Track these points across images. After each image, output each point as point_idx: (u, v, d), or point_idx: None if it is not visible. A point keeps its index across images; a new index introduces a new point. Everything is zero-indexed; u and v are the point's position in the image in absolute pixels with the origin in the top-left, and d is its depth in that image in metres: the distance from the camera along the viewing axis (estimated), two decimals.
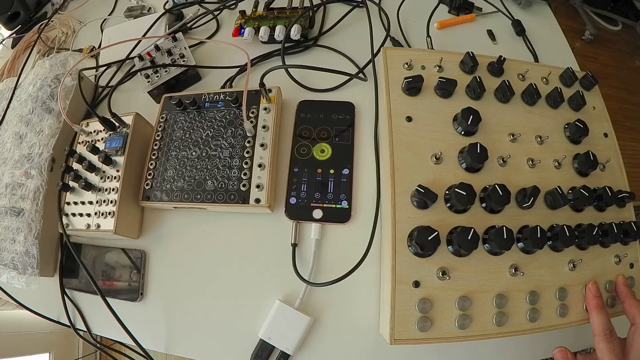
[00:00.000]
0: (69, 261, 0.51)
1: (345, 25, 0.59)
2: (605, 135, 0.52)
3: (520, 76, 0.51)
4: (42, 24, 0.70)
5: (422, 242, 0.37)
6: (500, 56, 0.49)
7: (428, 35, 0.55)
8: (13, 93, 0.56)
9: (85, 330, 0.48)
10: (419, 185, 0.39)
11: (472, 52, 0.48)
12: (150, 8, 0.69)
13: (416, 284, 0.38)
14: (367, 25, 0.55)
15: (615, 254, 0.45)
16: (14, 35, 0.82)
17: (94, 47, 0.67)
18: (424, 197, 0.39)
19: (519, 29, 0.60)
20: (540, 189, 0.43)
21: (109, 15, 0.72)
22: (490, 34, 0.60)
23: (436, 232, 0.38)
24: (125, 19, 0.69)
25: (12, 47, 0.80)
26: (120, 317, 0.44)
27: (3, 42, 0.83)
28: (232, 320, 0.45)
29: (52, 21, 0.72)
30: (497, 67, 0.49)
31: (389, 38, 0.55)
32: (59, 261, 0.51)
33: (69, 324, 0.49)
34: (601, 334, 0.37)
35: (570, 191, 0.45)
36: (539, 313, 0.40)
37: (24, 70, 0.61)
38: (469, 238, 0.38)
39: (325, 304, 0.44)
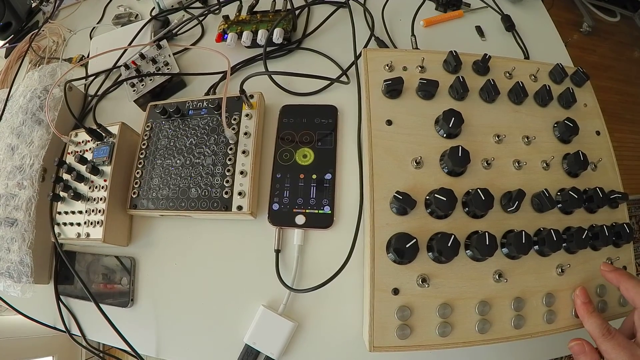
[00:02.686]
0: (64, 268, 0.52)
1: (330, 27, 0.57)
2: (598, 133, 0.49)
3: (507, 74, 0.48)
4: (32, 34, 0.71)
5: (400, 249, 0.36)
6: (485, 54, 0.47)
7: (413, 34, 0.53)
8: (5, 105, 0.56)
9: (80, 335, 0.49)
10: (397, 192, 0.38)
11: (455, 51, 0.46)
12: (137, 15, 0.68)
13: (395, 291, 0.37)
14: (351, 26, 0.53)
15: (606, 256, 0.43)
16: (7, 45, 0.82)
17: (83, 56, 0.67)
18: (402, 204, 0.38)
19: (509, 24, 0.57)
20: (527, 191, 0.41)
21: (97, 23, 0.71)
22: (479, 30, 0.58)
23: (414, 240, 0.36)
24: (114, 26, 0.68)
25: (5, 57, 0.81)
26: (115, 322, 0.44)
27: None
28: (218, 325, 0.45)
29: (43, 30, 0.72)
30: (482, 65, 0.47)
31: (373, 38, 0.54)
32: (54, 269, 0.52)
33: (64, 330, 0.50)
34: (600, 336, 0.35)
35: (558, 193, 0.43)
36: (525, 320, 0.39)
37: (16, 80, 0.61)
38: (449, 245, 0.36)
39: (309, 309, 0.44)
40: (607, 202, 0.43)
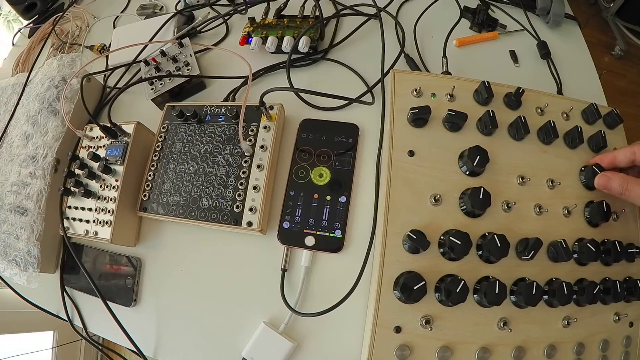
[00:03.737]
0: (70, 259, 0.52)
1: (358, 38, 0.55)
2: None
3: (539, 110, 0.46)
4: (56, 17, 0.69)
5: (408, 289, 0.36)
6: (519, 88, 0.45)
7: (444, 56, 0.50)
8: (23, 90, 0.56)
9: (82, 327, 0.50)
10: (411, 231, 0.37)
11: (487, 82, 0.44)
12: (162, 7, 0.67)
13: (397, 329, 0.37)
14: (381, 40, 0.51)
15: (615, 311, 0.42)
16: (31, 25, 0.82)
17: (104, 45, 0.66)
18: (415, 244, 0.37)
19: (544, 51, 0.55)
20: (544, 239, 0.40)
21: (121, 12, 0.70)
22: (513, 54, 0.55)
23: (423, 282, 0.36)
24: (138, 16, 0.67)
25: (29, 37, 0.81)
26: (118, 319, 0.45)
27: (21, 32, 0.84)
28: (218, 335, 0.45)
29: (67, 14, 0.70)
30: (514, 99, 0.45)
31: (403, 55, 0.51)
32: (61, 259, 0.52)
33: (67, 319, 0.51)
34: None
35: (576, 243, 0.42)
36: None
37: (37, 64, 0.61)
38: (458, 290, 0.36)
39: (309, 331, 0.44)
40: (624, 256, 0.42)
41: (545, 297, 0.40)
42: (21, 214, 0.49)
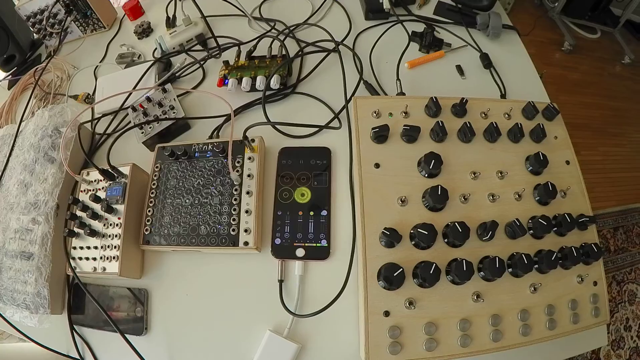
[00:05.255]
0: (77, 299, 0.61)
1: (322, 71, 0.70)
2: (567, 162, 0.61)
3: (483, 114, 0.60)
4: (37, 68, 0.82)
5: (389, 277, 0.47)
6: (462, 98, 0.59)
7: (398, 79, 0.65)
8: (14, 141, 0.67)
9: None
10: (385, 228, 0.49)
11: (435, 97, 0.58)
12: (140, 55, 0.80)
13: (386, 313, 0.48)
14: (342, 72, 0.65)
15: (577, 274, 0.54)
16: (10, 77, 0.94)
17: (88, 94, 0.78)
18: (389, 238, 0.49)
19: (486, 62, 0.70)
20: (500, 222, 0.52)
21: (100, 61, 0.83)
22: (459, 69, 0.70)
23: (401, 269, 0.48)
24: (117, 65, 0.80)
25: (9, 89, 0.92)
26: (126, 351, 0.54)
27: None
28: (228, 350, 0.55)
29: (49, 65, 0.83)
30: (459, 108, 0.59)
31: (362, 82, 0.66)
32: (67, 299, 0.61)
33: (78, 358, 0.59)
34: None
35: (530, 221, 0.55)
36: (502, 334, 0.49)
37: (20, 115, 0.72)
38: (431, 272, 0.48)
39: (311, 331, 0.54)
40: (575, 225, 0.55)
41: (510, 269, 0.52)
42: (27, 259, 0.58)
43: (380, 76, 0.69)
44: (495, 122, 0.58)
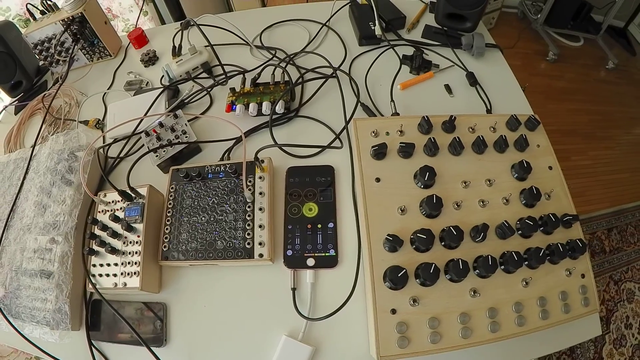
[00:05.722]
0: (94, 315, 0.67)
1: (322, 95, 0.79)
2: (550, 168, 0.68)
3: (470, 129, 0.69)
4: (46, 94, 0.89)
5: (394, 278, 0.55)
6: (451, 116, 0.67)
7: (392, 100, 0.74)
8: (28, 164, 0.73)
9: None
10: (388, 235, 0.57)
11: (426, 116, 0.66)
12: (148, 82, 0.88)
13: (393, 311, 0.55)
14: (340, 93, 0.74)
15: (565, 267, 0.61)
16: (16, 103, 1.01)
17: (99, 119, 0.86)
18: (392, 244, 0.56)
19: (472, 80, 0.79)
20: (491, 224, 0.60)
21: (108, 88, 0.91)
22: (448, 88, 0.80)
23: (404, 270, 0.55)
24: (125, 92, 0.88)
25: (15, 114, 0.99)
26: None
27: (6, 109, 1.02)
28: (246, 356, 0.60)
29: (58, 92, 0.91)
30: (449, 125, 0.67)
31: (359, 105, 0.74)
32: (85, 315, 0.66)
33: None
34: None
35: (518, 222, 0.63)
36: (499, 325, 0.56)
37: (30, 140, 0.78)
38: (431, 272, 0.55)
39: (324, 334, 0.60)
40: (560, 224, 0.62)
41: (502, 267, 0.59)
42: (47, 277, 0.63)
43: (375, 98, 0.78)
44: (481, 136, 0.66)
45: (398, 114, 0.72)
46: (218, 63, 0.85)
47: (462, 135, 0.66)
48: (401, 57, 0.82)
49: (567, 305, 0.59)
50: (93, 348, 0.65)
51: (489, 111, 0.76)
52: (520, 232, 0.62)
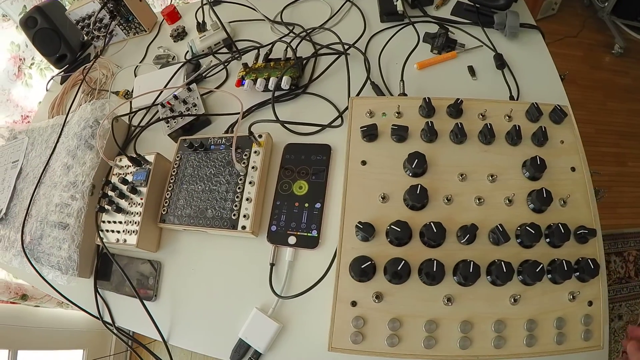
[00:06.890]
0: (103, 267, 0.73)
1: (334, 72, 0.74)
2: (573, 169, 0.57)
3: (481, 115, 0.60)
4: (85, 67, 0.97)
5: (356, 269, 0.51)
6: (457, 99, 0.59)
7: (402, 79, 0.67)
8: (62, 129, 0.81)
9: (111, 323, 0.69)
10: (359, 222, 0.52)
11: (428, 98, 0.59)
12: (174, 56, 0.92)
13: (353, 303, 0.51)
14: (353, 71, 0.69)
15: (569, 290, 0.51)
16: (62, 73, 1.11)
17: (127, 91, 0.92)
18: (362, 232, 0.52)
19: (499, 62, 0.69)
20: (485, 226, 0.52)
21: (140, 62, 0.97)
22: (471, 70, 0.70)
23: (369, 262, 0.51)
24: (154, 65, 0.93)
25: (61, 84, 1.09)
26: (137, 313, 0.63)
27: (53, 79, 1.14)
28: (220, 321, 0.62)
29: (95, 64, 0.99)
30: (453, 109, 0.59)
31: (369, 82, 0.69)
32: (95, 266, 0.73)
33: (97, 316, 0.70)
34: None
35: (518, 228, 0.54)
36: (471, 342, 0.49)
37: (72, 107, 0.86)
38: (399, 268, 0.50)
39: (294, 314, 0.59)
40: (569, 237, 0.52)
41: (488, 277, 0.52)
42: (63, 228, 0.70)
43: (389, 77, 0.71)
44: (489, 124, 0.57)
45: (405, 95, 0.66)
46: (233, 39, 0.84)
47: (468, 121, 0.58)
48: (422, 35, 0.74)
49: (562, 335, 0.50)
50: (97, 294, 0.71)
51: (512, 98, 0.66)
52: (519, 239, 0.53)
